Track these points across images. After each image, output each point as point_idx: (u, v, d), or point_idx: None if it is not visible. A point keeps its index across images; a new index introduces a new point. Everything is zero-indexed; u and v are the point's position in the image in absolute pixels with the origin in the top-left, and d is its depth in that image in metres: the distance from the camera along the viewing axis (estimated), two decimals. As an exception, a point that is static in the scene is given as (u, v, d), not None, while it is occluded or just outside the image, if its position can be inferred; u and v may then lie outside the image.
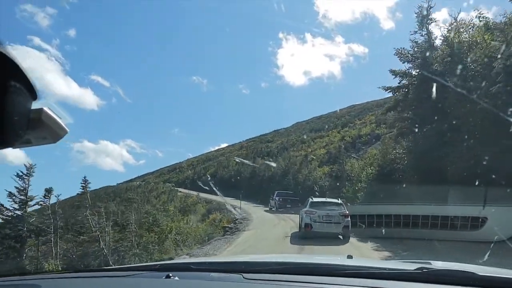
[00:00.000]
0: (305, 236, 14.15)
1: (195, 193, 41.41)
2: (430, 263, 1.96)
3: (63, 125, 0.80)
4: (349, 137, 40.85)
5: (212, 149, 74.86)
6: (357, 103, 71.95)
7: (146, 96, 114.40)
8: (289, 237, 14.89)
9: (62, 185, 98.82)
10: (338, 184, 25.40)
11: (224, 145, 69.63)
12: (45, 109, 0.75)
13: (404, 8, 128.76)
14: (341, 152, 28.04)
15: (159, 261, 10.19)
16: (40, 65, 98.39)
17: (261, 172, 40.01)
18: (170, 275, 1.56)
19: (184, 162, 72.90)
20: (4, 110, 0.65)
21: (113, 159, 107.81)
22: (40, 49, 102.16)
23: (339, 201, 15.38)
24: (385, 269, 1.60)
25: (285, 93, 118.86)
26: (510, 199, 8.36)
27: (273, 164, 36.56)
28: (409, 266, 1.70)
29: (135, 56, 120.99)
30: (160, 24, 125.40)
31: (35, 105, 0.72)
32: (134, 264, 3.91)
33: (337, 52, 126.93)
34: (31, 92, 0.70)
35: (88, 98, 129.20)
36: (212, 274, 1.63)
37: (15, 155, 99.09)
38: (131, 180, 71.14)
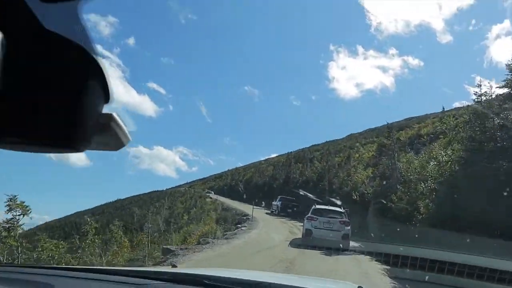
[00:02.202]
0: (305, 241, 14.37)
1: (225, 199, 40.17)
2: None
3: (127, 133, 0.75)
4: (406, 137, 32.70)
5: (262, 159, 72.49)
6: (413, 116, 64.61)
7: (198, 104, 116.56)
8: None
9: (119, 188, 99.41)
10: (385, 186, 18.01)
11: (274, 155, 67.38)
12: (115, 114, 0.70)
13: (462, 20, 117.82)
14: (392, 146, 20.11)
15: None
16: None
17: (295, 178, 35.50)
18: None
19: (231, 170, 71.79)
20: (78, 111, 0.61)
21: (166, 165, 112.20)
22: (103, 56, 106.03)
23: (342, 209, 15.74)
24: None
25: (336, 105, 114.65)
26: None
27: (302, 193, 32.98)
28: None
29: (189, 65, 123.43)
30: (214, 35, 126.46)
31: (105, 109, 0.69)
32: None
33: (390, 64, 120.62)
34: (106, 95, 0.67)
35: (146, 105, 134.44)
36: None
37: (78, 157, 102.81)
38: (179, 186, 72.72)
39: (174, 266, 8.86)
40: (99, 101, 0.66)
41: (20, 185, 75.48)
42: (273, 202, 30.55)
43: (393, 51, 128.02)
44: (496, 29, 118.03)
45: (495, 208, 10.64)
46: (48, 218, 53.53)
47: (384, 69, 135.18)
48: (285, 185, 34.60)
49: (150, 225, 21.77)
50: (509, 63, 12.66)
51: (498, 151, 12.00)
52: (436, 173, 14.31)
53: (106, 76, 0.65)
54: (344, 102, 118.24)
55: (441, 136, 21.19)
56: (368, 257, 12.05)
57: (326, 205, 16.66)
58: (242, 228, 19.46)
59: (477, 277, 8.30)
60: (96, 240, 12.00)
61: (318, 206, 15.85)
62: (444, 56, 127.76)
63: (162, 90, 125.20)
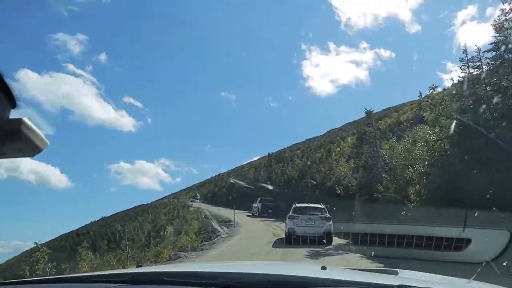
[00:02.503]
0: (289, 239, 14.70)
1: (208, 206, 40.23)
2: (397, 272, 2.17)
3: (43, 137, 0.73)
4: (385, 125, 31.89)
5: (245, 162, 72.00)
6: (391, 106, 64.85)
7: (176, 115, 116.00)
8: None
9: (104, 205, 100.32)
10: (370, 176, 16.91)
11: (256, 157, 66.64)
12: (25, 119, 0.69)
13: (429, 9, 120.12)
14: (373, 133, 18.87)
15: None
16: (77, 90, 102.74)
17: (277, 177, 34.32)
18: None
19: (214, 177, 70.17)
20: None
21: (149, 178, 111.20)
22: (75, 74, 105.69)
23: (322, 205, 15.97)
24: (363, 284, 1.55)
25: (313, 103, 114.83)
26: (491, 221, 8.63)
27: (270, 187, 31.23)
28: (388, 280, 1.67)
29: (163, 76, 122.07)
30: (184, 43, 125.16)
31: (13, 114, 0.68)
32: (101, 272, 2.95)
33: (363, 58, 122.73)
34: (10, 100, 0.66)
35: (124, 120, 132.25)
36: None
37: (58, 179, 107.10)
38: (164, 198, 71.76)
39: (138, 266, 8.04)
40: (3, 107, 0.63)
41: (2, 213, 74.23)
42: (253, 204, 30.85)
43: (364, 44, 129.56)
44: (461, 15, 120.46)
45: (501, 182, 9.70)
46: (31, 244, 50.26)
47: (357, 63, 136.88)
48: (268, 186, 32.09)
49: (127, 242, 20.21)
50: (496, 23, 11.60)
51: (495, 119, 11.03)
52: (425, 155, 13.20)
53: (5, 80, 0.61)
54: (320, 99, 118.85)
55: (425, 117, 20.20)
56: (358, 254, 11.08)
57: (306, 203, 16.80)
58: (222, 236, 18.13)
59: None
60: (48, 270, 10.16)
61: (298, 205, 16.04)
62: (414, 45, 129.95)
63: (139, 104, 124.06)
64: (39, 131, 0.70)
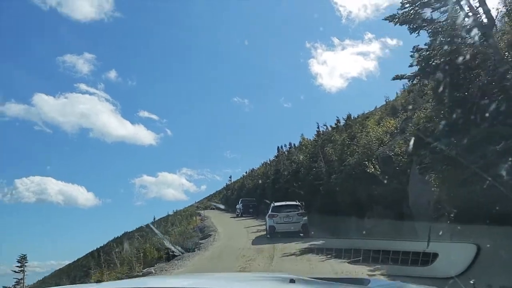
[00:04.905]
0: (270, 235, 15.77)
1: (212, 213, 38.29)
2: (369, 281, 2.20)
3: None
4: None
5: (262, 162, 70.25)
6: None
7: (192, 124, 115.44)
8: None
9: (131, 219, 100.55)
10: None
11: (272, 157, 65.91)
12: None
13: None
14: None
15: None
16: (93, 108, 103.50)
17: (285, 169, 30.51)
18: None
19: (234, 181, 69.37)
20: None
21: (174, 189, 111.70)
22: (89, 93, 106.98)
23: (297, 202, 17.14)
24: None
25: (326, 99, 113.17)
26: (456, 235, 8.30)
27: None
28: None
29: (173, 88, 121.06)
30: (191, 52, 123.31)
31: None
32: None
33: (369, 49, 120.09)
34: None
35: (143, 134, 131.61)
36: None
37: (85, 197, 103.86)
38: (190, 206, 69.92)
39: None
40: None
41: (34, 234, 75.42)
42: (236, 206, 32.39)
43: (369, 35, 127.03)
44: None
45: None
46: (63, 263, 50.50)
47: (364, 55, 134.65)
48: (276, 182, 30.03)
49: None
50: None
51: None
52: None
53: None
54: (331, 94, 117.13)
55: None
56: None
57: (283, 202, 17.69)
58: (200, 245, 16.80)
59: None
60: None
61: (276, 204, 17.11)
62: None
63: (154, 117, 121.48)
64: None
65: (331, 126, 27.68)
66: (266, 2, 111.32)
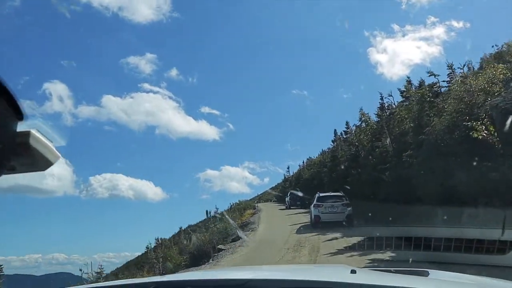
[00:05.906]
0: (316, 225, 16.28)
1: (265, 206, 38.82)
2: (428, 272, 2.13)
3: (55, 149, 0.68)
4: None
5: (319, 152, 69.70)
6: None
7: (252, 118, 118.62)
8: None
9: (197, 212, 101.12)
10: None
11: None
12: (33, 131, 0.63)
13: None
14: None
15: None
16: (157, 106, 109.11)
17: (342, 156, 27.28)
18: None
19: (285, 174, 69.60)
20: None
21: (237, 182, 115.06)
22: (153, 92, 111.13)
23: (341, 193, 17.32)
24: None
25: (387, 87, 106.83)
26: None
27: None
28: (420, 284, 1.64)
29: (233, 82, 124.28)
30: (249, 46, 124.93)
31: (21, 127, 0.61)
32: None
33: (433, 33, 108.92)
34: (17, 112, 0.60)
35: (206, 129, 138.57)
36: None
37: (154, 192, 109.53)
38: (252, 199, 72.34)
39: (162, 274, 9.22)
40: (10, 120, 0.58)
41: (109, 227, 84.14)
42: (286, 198, 33.97)
43: (432, 19, 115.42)
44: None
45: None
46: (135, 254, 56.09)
47: (427, 40, 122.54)
48: (333, 170, 27.43)
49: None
50: None
51: None
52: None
53: (11, 92, 0.57)
54: (393, 83, 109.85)
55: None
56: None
57: (328, 192, 18.22)
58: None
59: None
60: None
61: (321, 194, 17.64)
62: (491, 10, 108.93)
63: (216, 112, 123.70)
64: (49, 144, 0.66)
65: (400, 90, 21.55)
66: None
